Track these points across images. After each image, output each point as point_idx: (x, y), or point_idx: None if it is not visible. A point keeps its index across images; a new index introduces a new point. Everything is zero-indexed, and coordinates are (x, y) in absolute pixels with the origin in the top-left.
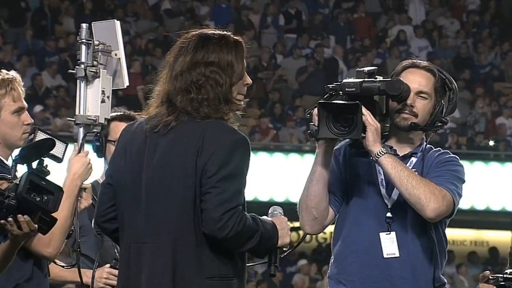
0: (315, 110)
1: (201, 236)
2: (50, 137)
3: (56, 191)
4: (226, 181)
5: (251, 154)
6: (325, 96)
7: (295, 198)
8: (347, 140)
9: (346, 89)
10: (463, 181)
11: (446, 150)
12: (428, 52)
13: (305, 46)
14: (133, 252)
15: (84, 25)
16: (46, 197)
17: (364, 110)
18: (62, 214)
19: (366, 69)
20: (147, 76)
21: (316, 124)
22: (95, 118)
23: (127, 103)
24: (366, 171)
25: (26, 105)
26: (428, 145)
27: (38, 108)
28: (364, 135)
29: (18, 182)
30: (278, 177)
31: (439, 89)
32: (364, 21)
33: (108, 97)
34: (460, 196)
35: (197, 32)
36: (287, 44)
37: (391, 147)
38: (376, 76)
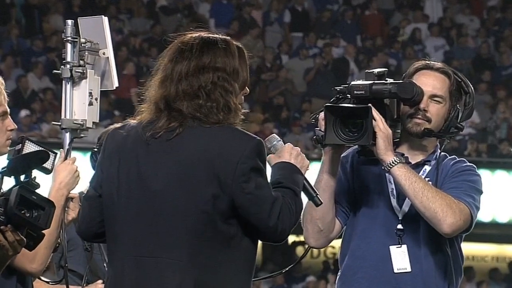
0: (321, 114)
1: (221, 250)
2: (41, 148)
3: (47, 206)
4: (263, 188)
5: None
6: (332, 100)
7: None
8: (355, 147)
9: (355, 92)
10: (481, 192)
11: (462, 158)
12: (445, 52)
13: (313, 46)
14: (130, 266)
15: (69, 22)
16: (36, 213)
17: (375, 114)
18: None
19: (376, 70)
20: (142, 78)
21: (323, 130)
22: (82, 122)
23: (120, 108)
24: (376, 180)
25: (8, 109)
26: (442, 153)
27: (23, 113)
28: (374, 142)
29: (7, 197)
30: None
31: (454, 92)
32: (376, 19)
33: (96, 99)
34: (478, 209)
35: (197, 35)
36: (293, 44)
37: (402, 154)
38: (387, 78)
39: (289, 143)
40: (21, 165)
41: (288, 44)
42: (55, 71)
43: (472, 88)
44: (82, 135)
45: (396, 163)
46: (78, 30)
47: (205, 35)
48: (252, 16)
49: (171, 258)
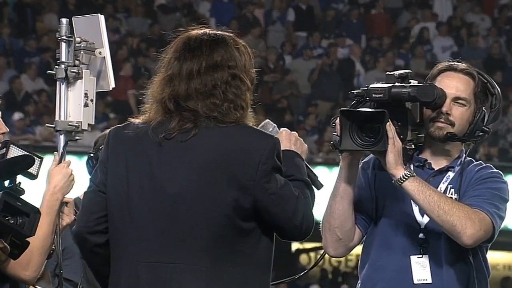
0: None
1: (241, 253)
2: (27, 153)
3: (32, 213)
4: (284, 186)
5: None
6: (352, 103)
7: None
8: None
9: (373, 96)
10: (506, 201)
11: (488, 164)
12: (452, 53)
13: (317, 46)
14: (145, 273)
15: (64, 20)
16: (21, 220)
17: (388, 124)
18: (41, 232)
19: (397, 72)
20: (140, 79)
21: (339, 135)
22: (77, 124)
23: (116, 110)
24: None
25: None
26: (468, 158)
27: (17, 116)
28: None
29: None
30: None
31: (479, 94)
32: (382, 18)
33: (91, 100)
34: (502, 218)
35: (203, 32)
36: (297, 44)
37: (425, 160)
38: (410, 81)
39: (285, 129)
40: (5, 170)
41: (292, 44)
42: (49, 71)
43: (499, 89)
44: (77, 137)
45: (407, 177)
46: (73, 29)
47: (211, 32)
48: (254, 14)
49: (192, 264)
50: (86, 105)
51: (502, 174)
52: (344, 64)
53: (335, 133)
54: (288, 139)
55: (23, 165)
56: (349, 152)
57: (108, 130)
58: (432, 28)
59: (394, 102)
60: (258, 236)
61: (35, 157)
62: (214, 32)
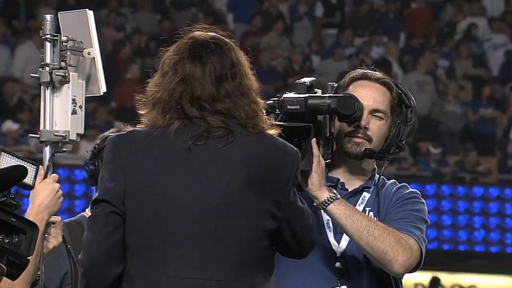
0: None
1: (268, 272)
2: (20, 163)
3: (29, 230)
4: (299, 201)
5: None
6: None
7: None
8: None
9: (288, 107)
10: (427, 222)
11: (404, 184)
12: (506, 51)
13: (349, 45)
14: None
15: (48, 17)
16: (17, 238)
17: (314, 141)
18: None
19: (308, 80)
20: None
21: None
22: (64, 134)
23: (122, 117)
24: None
25: None
26: (381, 177)
27: (8, 124)
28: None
29: None
30: None
31: (395, 107)
32: (423, 12)
33: (80, 107)
34: (426, 242)
35: (211, 34)
36: (326, 42)
37: (338, 180)
38: (315, 90)
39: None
40: None
41: (320, 43)
42: (32, 74)
43: (414, 101)
44: (64, 149)
45: (332, 200)
46: (60, 26)
47: (219, 35)
48: (277, 9)
49: (236, 282)
50: (74, 112)
51: (420, 194)
52: (379, 65)
53: None
54: None
55: (14, 177)
56: None
57: (107, 133)
58: (483, 24)
59: (310, 115)
60: (273, 250)
61: (29, 165)
62: (222, 36)
